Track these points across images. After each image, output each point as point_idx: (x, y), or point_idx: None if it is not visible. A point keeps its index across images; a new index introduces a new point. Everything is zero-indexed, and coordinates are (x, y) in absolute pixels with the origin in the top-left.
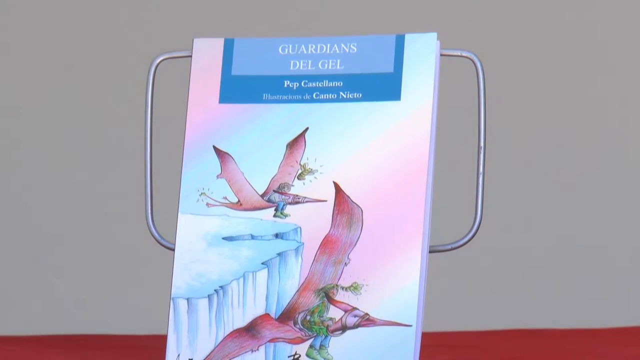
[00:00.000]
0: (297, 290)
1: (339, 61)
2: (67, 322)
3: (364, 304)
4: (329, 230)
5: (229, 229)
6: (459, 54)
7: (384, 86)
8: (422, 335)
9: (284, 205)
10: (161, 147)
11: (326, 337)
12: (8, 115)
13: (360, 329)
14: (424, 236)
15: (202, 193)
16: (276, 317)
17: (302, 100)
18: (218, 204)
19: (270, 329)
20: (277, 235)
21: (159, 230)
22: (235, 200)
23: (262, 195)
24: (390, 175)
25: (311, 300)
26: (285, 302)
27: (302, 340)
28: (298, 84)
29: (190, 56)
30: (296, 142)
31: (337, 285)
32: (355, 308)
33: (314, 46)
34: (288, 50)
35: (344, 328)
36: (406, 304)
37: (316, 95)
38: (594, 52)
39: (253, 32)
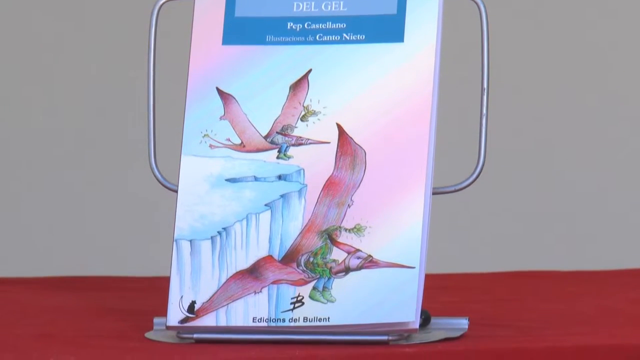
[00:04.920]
0: (300, 232)
1: (342, 3)
2: (71, 264)
3: (367, 245)
4: (332, 172)
5: (232, 171)
6: None
7: (387, 28)
8: (425, 277)
9: (287, 146)
10: (164, 89)
11: (329, 278)
12: (10, 61)
13: (363, 270)
14: (428, 178)
15: (205, 135)
16: (279, 259)
17: (305, 42)
18: (221, 145)
19: (273, 270)
20: (280, 177)
21: (162, 172)
22: (238, 141)
23: (265, 137)
24: (393, 117)
25: (314, 242)
26: (288, 244)
27: (305, 282)
28: (301, 26)
29: None
30: (299, 84)
31: (340, 227)
32: (358, 250)
33: None
34: None
35: (347, 270)
36: (409, 246)
37: (319, 37)
38: None
39: None
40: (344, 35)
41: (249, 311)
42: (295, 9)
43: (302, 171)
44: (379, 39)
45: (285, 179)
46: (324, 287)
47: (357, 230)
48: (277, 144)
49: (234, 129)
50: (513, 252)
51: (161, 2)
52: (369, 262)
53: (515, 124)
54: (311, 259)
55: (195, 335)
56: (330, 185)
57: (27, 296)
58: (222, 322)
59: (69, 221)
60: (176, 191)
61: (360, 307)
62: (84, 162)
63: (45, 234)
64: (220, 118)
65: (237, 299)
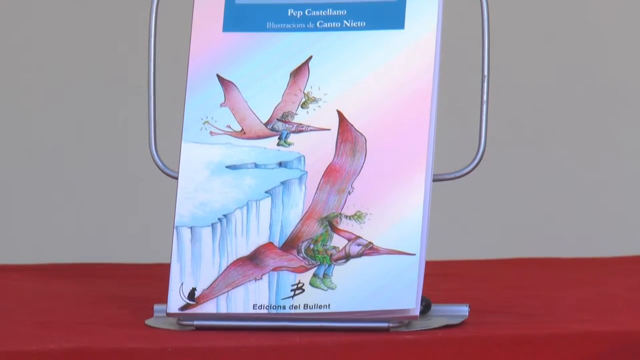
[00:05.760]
0: (301, 219)
1: None
2: (72, 250)
3: (368, 232)
4: (333, 159)
5: (233, 158)
6: None
7: (387, 15)
8: (425, 263)
9: (287, 133)
10: (165, 75)
11: (330, 265)
12: (12, 52)
13: (363, 257)
14: (428, 165)
15: (205, 121)
16: (280, 246)
17: (306, 29)
18: (221, 132)
19: (273, 257)
20: (280, 164)
21: (162, 159)
22: (238, 128)
23: (266, 124)
24: (394, 104)
25: (315, 229)
26: (288, 231)
27: (306, 269)
28: (302, 13)
29: None
30: (300, 71)
31: (340, 213)
32: (358, 237)
33: None
34: None
35: (347, 257)
36: (410, 233)
37: (320, 24)
38: None
39: None
40: (345, 22)
41: (250, 298)
42: None
43: (302, 158)
44: (379, 25)
45: (285, 166)
46: (325, 274)
47: (357, 217)
48: (277, 131)
49: (234, 115)
50: (513, 240)
51: None
52: (370, 249)
53: (516, 111)
54: (311, 246)
55: (195, 322)
56: (330, 172)
57: (26, 283)
58: (223, 309)
59: (68, 208)
60: (176, 178)
61: (360, 294)
62: (84, 148)
63: (44, 221)
64: (221, 105)
65: (237, 286)
